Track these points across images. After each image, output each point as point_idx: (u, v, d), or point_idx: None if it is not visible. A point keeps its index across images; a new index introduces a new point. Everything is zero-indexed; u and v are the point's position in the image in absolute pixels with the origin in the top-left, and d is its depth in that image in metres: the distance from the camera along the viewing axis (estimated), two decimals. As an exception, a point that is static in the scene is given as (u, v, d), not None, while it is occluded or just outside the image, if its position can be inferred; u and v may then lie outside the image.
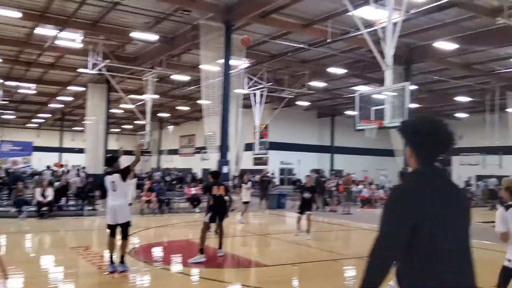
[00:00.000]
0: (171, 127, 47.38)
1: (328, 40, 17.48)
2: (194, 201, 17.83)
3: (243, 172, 17.84)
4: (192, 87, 26.82)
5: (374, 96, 12.47)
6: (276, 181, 31.98)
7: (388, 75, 11.79)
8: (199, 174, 35.13)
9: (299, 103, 31.89)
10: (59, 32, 17.98)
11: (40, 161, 42.43)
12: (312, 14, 16.78)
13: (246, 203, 15.16)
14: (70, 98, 33.51)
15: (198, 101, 27.67)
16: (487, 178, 27.69)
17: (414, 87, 23.69)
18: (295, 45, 19.30)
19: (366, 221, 15.71)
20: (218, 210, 9.06)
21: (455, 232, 2.12)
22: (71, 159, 42.54)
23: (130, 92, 29.48)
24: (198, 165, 36.81)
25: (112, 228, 7.53)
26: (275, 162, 34.07)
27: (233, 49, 17.64)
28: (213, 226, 9.31)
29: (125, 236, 7.51)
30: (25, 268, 7.71)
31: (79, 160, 30.65)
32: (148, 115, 25.05)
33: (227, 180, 18.00)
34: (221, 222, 9.13)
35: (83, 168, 24.29)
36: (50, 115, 43.57)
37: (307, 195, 11.84)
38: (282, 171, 35.27)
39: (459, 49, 18.43)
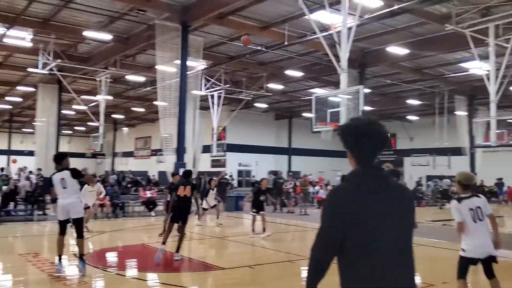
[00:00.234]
0: (126, 129, 46.37)
1: (285, 43, 17.66)
2: (150, 204, 17.50)
3: (211, 178, 17.67)
4: (147, 88, 26.37)
5: (330, 98, 12.71)
6: (234, 183, 31.92)
7: (343, 79, 12.04)
8: (156, 177, 34.55)
9: (257, 105, 32.04)
10: (7, 30, 17.24)
11: (-14, 165, 40.37)
12: (269, 17, 16.90)
13: (214, 206, 14.93)
14: (19, 99, 32.12)
15: (154, 102, 27.26)
16: (437, 179, 28.79)
17: (368, 90, 24.34)
18: (253, 47, 19.36)
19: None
20: (181, 211, 8.82)
21: (391, 232, 2.11)
22: (20, 162, 40.75)
23: (83, 92, 28.61)
24: (154, 167, 36.18)
25: (62, 224, 7.32)
26: (233, 164, 34.06)
27: (190, 50, 17.49)
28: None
29: (80, 235, 7.33)
30: (-32, 278, 7.29)
31: (29, 163, 29.42)
32: (101, 117, 24.40)
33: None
34: (183, 224, 8.86)
35: (39, 170, 23.28)
36: (-3, 116, 41.65)
37: (263, 197, 12.13)
38: (240, 173, 35.29)
39: (410, 54, 19.11)
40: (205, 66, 21.86)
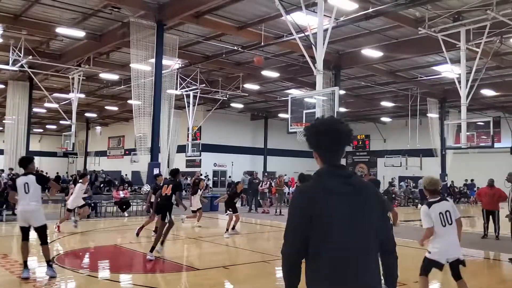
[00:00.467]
0: (99, 128, 45.61)
1: (261, 43, 17.68)
2: (123, 205, 17.23)
3: (200, 178, 17.46)
4: (121, 87, 26.02)
5: (306, 99, 12.80)
6: (210, 183, 31.79)
7: (319, 80, 12.14)
8: (129, 177, 34.10)
9: (233, 105, 32.00)
10: (-25, 25, 16.73)
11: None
12: (246, 17, 16.90)
13: (199, 209, 14.32)
14: (-13, 96, 31.21)
15: (128, 101, 26.94)
16: (410, 179, 29.33)
17: (342, 91, 24.62)
18: (229, 47, 19.32)
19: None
20: (161, 209, 9.03)
21: (351, 232, 2.11)
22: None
23: (55, 90, 28.03)
24: (127, 167, 35.73)
25: (24, 230, 7.10)
26: (209, 164, 33.93)
27: (165, 48, 17.33)
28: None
29: (44, 242, 7.08)
30: None
31: (-2, 162, 28.65)
32: (74, 115, 23.92)
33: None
34: (163, 222, 8.98)
35: (11, 169, 22.64)
36: (-36, 114, 40.33)
37: (236, 200, 12.69)
38: (215, 173, 35.18)
39: (384, 56, 19.42)
40: (181, 65, 21.70)
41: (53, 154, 43.35)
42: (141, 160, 18.26)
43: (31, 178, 7.00)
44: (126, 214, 16.86)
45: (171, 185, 9.09)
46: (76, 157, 44.77)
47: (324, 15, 12.13)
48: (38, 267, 7.86)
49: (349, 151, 40.12)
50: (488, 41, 15.73)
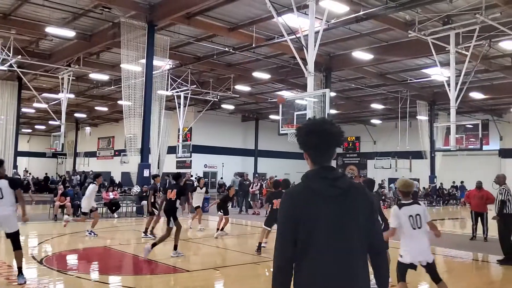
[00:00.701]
0: (88, 129, 45.25)
1: (253, 45, 17.70)
2: (113, 206, 17.11)
3: (200, 177, 17.36)
4: (112, 87, 25.86)
5: (297, 101, 12.80)
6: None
7: (310, 82, 12.15)
8: (118, 178, 33.91)
9: (224, 106, 31.96)
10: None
11: None
12: (237, 19, 16.90)
13: (198, 207, 14.13)
14: (-25, 95, 30.79)
15: (119, 102, 26.75)
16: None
17: (333, 93, 24.76)
18: (221, 48, 19.31)
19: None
20: (166, 213, 9.22)
21: (337, 234, 2.11)
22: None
23: (44, 90, 27.79)
24: (117, 168, 35.50)
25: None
26: (199, 165, 33.80)
27: (156, 49, 17.28)
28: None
29: (17, 247, 6.92)
30: None
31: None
32: (63, 115, 23.71)
33: (147, 184, 17.55)
34: (168, 226, 9.12)
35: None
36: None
37: (229, 203, 12.57)
38: (205, 174, 35.08)
39: (374, 59, 19.54)
40: (172, 66, 21.63)
41: (42, 155, 42.92)
42: (131, 161, 18.17)
43: (4, 183, 6.77)
44: (116, 216, 16.74)
45: (175, 190, 9.27)
46: (65, 158, 44.37)
47: (316, 17, 12.17)
48: (25, 269, 7.76)
49: (339, 153, 40.28)
50: (477, 45, 15.90)
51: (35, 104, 29.57)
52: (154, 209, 12.04)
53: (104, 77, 25.17)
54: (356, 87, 26.62)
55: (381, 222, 6.13)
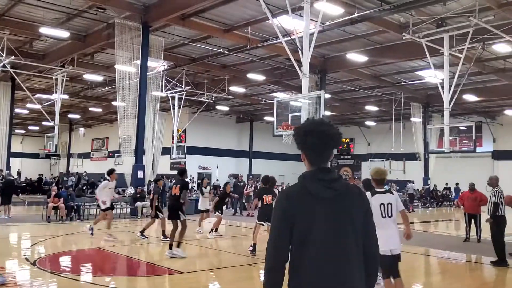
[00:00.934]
0: (82, 129, 45.04)
1: (248, 46, 17.70)
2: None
3: (204, 177, 17.02)
4: (106, 88, 25.77)
5: (291, 103, 12.81)
6: (194, 186, 31.63)
7: (305, 83, 12.17)
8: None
9: (218, 107, 31.94)
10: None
11: None
12: (232, 20, 16.90)
13: (205, 211, 13.48)
14: (-32, 96, 30.59)
15: (113, 103, 26.69)
16: (393, 182, 29.56)
17: (328, 95, 24.81)
18: (215, 49, 19.30)
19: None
20: (170, 209, 9.34)
21: (332, 235, 2.10)
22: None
23: (38, 91, 27.66)
24: (111, 169, 35.34)
25: None
26: (193, 166, 33.74)
27: (151, 50, 17.24)
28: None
29: None
30: None
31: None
32: (57, 116, 23.59)
33: (141, 185, 17.50)
34: (176, 221, 9.24)
35: (1, 171, 22.24)
36: None
37: (227, 200, 12.63)
38: (200, 175, 35.02)
39: (369, 61, 19.60)
40: (166, 67, 21.60)
41: (35, 156, 42.73)
42: (125, 162, 18.11)
43: None
44: (110, 217, 16.64)
45: (179, 185, 9.37)
46: (59, 159, 44.15)
47: (310, 19, 12.19)
48: (18, 271, 7.73)
49: (334, 155, 40.29)
50: (470, 47, 16.00)
51: (29, 105, 29.43)
52: (158, 212, 11.84)
53: (98, 78, 25.09)
54: (351, 89, 26.69)
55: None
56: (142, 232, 11.76)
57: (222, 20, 16.97)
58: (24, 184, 30.28)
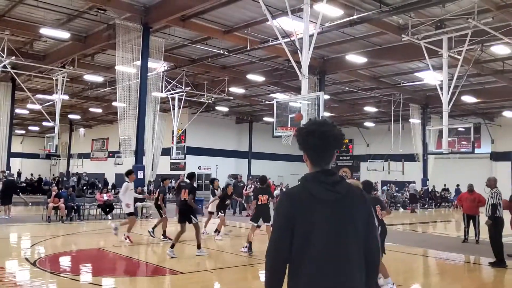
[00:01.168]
0: (82, 130, 45.09)
1: (247, 48, 17.75)
2: (107, 207, 17.08)
3: (214, 178, 16.58)
4: (106, 89, 25.82)
5: (291, 104, 12.85)
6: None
7: (304, 84, 12.22)
8: (112, 180, 33.81)
9: (218, 108, 31.99)
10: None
11: None
12: (232, 21, 16.95)
13: (211, 213, 13.55)
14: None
15: (113, 103, 26.74)
16: (392, 183, 29.66)
17: (327, 96, 24.87)
18: (215, 50, 19.36)
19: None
20: (182, 213, 9.56)
21: (333, 238, 2.10)
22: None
23: (38, 91, 27.69)
24: (111, 170, 35.39)
25: None
26: (193, 167, 33.78)
27: (151, 51, 17.28)
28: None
29: None
30: None
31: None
32: (57, 117, 23.63)
33: (141, 186, 17.54)
34: (190, 223, 9.47)
35: (3, 171, 22.23)
36: None
37: (228, 201, 12.84)
38: (199, 176, 35.07)
39: (368, 62, 19.65)
40: (166, 68, 21.66)
41: (35, 156, 42.75)
42: (125, 163, 18.15)
43: None
44: (110, 217, 16.70)
45: (187, 190, 9.60)
46: (59, 159, 44.18)
47: (310, 20, 12.24)
48: (18, 271, 7.77)
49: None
50: (469, 49, 16.07)
51: (29, 105, 29.47)
52: (161, 212, 11.95)
53: (98, 78, 25.13)
54: (350, 90, 26.75)
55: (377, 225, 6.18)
56: (164, 235, 11.73)
57: (222, 22, 17.02)
58: (24, 184, 30.28)
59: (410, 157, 29.77)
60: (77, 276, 8.07)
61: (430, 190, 29.99)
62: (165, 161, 28.84)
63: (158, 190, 14.18)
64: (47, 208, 15.60)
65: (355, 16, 14.45)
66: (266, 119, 34.66)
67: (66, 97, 26.40)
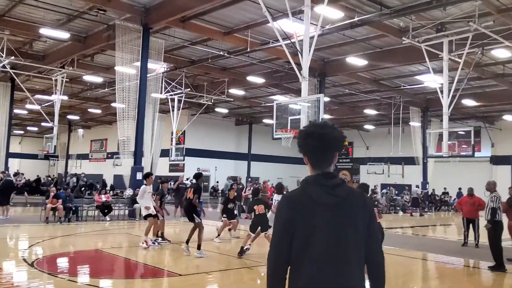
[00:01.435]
0: (81, 131, 45.04)
1: (248, 49, 17.73)
2: (105, 208, 17.01)
3: (232, 184, 15.95)
4: (105, 89, 25.78)
5: (291, 106, 12.83)
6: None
7: (304, 86, 12.19)
8: (111, 181, 33.73)
9: (217, 110, 31.97)
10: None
11: None
12: (232, 23, 16.94)
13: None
14: (-33, 96, 30.55)
15: (112, 104, 26.71)
16: (392, 187, 29.59)
17: (327, 99, 24.85)
18: (215, 52, 19.33)
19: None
20: (185, 212, 9.83)
21: (333, 240, 2.09)
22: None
23: (37, 92, 27.65)
24: (109, 171, 35.33)
25: None
26: (192, 168, 33.71)
27: (151, 52, 17.25)
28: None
29: None
30: None
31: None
32: (56, 117, 23.58)
33: (140, 187, 17.46)
34: (194, 222, 9.60)
35: (3, 172, 22.13)
36: None
37: (230, 205, 12.56)
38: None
39: (368, 65, 19.65)
40: (166, 69, 21.62)
41: (34, 157, 42.64)
42: (124, 164, 18.08)
43: None
44: (108, 219, 16.64)
45: (192, 189, 9.79)
46: (58, 160, 44.10)
47: (311, 23, 12.22)
48: (16, 272, 7.71)
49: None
50: (470, 52, 16.04)
51: (28, 106, 29.44)
52: (158, 214, 11.77)
53: (98, 79, 25.09)
54: (350, 93, 26.73)
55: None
56: (162, 237, 11.63)
57: (222, 23, 17.00)
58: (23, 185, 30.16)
59: (410, 160, 29.73)
60: (75, 277, 8.01)
61: (429, 193, 29.94)
62: (164, 162, 28.77)
63: (156, 192, 14.07)
64: (45, 209, 15.54)
65: (355, 19, 14.43)
66: (265, 121, 34.63)
67: (65, 97, 26.35)
